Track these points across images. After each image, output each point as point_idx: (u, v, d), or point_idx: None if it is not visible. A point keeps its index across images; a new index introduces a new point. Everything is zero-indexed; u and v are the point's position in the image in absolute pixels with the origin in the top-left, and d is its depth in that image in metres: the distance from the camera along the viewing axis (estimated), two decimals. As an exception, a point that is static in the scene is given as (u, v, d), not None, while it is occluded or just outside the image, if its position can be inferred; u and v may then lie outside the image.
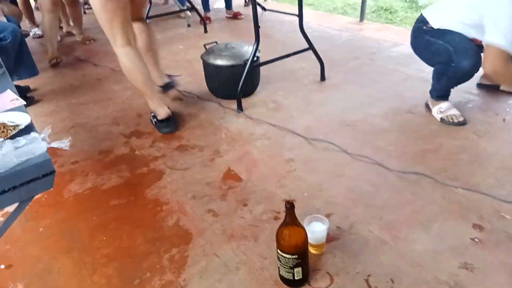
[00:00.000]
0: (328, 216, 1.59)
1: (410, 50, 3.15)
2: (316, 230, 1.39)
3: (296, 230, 1.26)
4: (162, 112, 2.18)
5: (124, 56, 2.01)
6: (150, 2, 3.67)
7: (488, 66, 1.87)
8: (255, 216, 1.61)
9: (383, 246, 1.44)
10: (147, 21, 3.99)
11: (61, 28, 4.17)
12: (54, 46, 3.36)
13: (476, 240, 1.44)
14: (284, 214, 1.24)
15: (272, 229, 1.52)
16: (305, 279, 1.31)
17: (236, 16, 4.34)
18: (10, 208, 1.14)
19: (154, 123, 2.26)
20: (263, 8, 4.17)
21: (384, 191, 1.70)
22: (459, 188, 1.68)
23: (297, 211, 1.24)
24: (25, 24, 4.36)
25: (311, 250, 1.41)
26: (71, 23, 4.15)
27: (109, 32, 1.95)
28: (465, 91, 2.44)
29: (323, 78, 2.79)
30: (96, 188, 1.84)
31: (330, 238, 1.48)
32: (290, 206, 1.24)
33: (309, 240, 1.35)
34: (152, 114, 2.27)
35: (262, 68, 2.64)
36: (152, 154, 2.04)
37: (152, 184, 1.83)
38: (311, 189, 1.74)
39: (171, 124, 2.22)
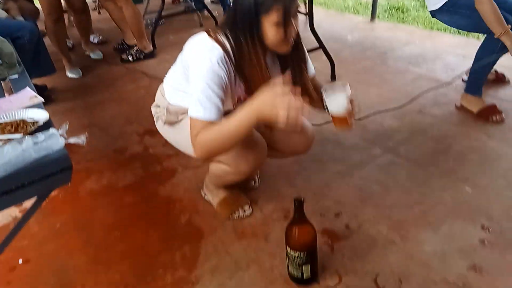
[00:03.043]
0: (337, 215, 1.61)
1: (421, 49, 3.16)
2: (334, 94, 1.26)
3: (304, 227, 1.28)
4: None
5: None
6: (163, 2, 3.69)
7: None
8: (266, 215, 1.64)
9: (391, 246, 1.46)
10: (162, 21, 4.05)
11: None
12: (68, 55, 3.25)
13: (485, 241, 1.45)
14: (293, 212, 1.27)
15: (282, 228, 1.54)
16: (314, 277, 1.33)
17: None
18: (28, 205, 1.18)
19: None
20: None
21: (393, 191, 1.72)
22: (468, 188, 1.69)
23: (306, 210, 1.27)
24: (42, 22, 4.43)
25: (336, 126, 1.29)
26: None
27: None
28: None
29: (333, 77, 2.80)
30: (112, 186, 1.89)
31: (339, 237, 1.51)
32: (298, 204, 1.26)
33: (331, 112, 1.26)
34: None
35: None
36: (165, 153, 2.08)
37: (166, 182, 1.87)
38: (320, 188, 1.76)
39: None
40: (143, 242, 1.56)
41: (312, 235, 1.29)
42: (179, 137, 1.54)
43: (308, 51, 2.70)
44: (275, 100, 1.07)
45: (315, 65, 2.84)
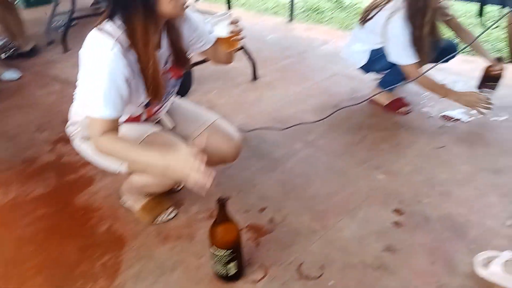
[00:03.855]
0: (261, 210, 1.64)
1: (336, 48, 3.32)
2: (218, 21, 1.34)
3: (228, 226, 1.28)
4: None
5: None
6: (73, 3, 3.48)
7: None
8: (190, 216, 1.62)
9: (313, 235, 1.51)
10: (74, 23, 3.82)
11: None
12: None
13: (397, 223, 1.55)
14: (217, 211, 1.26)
15: (207, 228, 1.51)
16: (240, 273, 1.34)
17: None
18: None
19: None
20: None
21: (314, 183, 1.78)
22: (381, 176, 1.81)
23: (231, 208, 1.28)
24: None
25: (223, 48, 1.43)
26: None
27: None
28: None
29: (255, 77, 2.85)
30: (21, 199, 1.74)
31: (263, 232, 1.53)
32: (221, 203, 1.26)
33: (216, 36, 1.40)
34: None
35: (195, 69, 2.64)
36: (81, 160, 1.94)
37: (83, 191, 1.77)
38: (245, 186, 1.78)
39: None
40: (60, 255, 1.46)
41: (235, 232, 1.29)
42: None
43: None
44: (188, 162, 1.12)
45: (237, 66, 2.87)
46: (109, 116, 1.22)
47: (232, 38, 1.36)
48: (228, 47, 1.41)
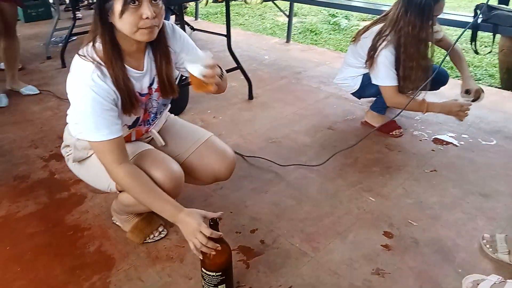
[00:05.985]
0: (252, 231, 1.64)
1: (332, 70, 3.37)
2: (194, 61, 1.26)
3: (220, 247, 1.28)
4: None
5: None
6: (74, 19, 3.53)
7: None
8: (181, 236, 1.60)
9: (304, 257, 1.51)
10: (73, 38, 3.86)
11: None
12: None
13: (387, 246, 1.56)
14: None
15: (197, 248, 1.54)
16: (229, 296, 1.33)
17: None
18: None
19: None
20: (192, 28, 4.21)
21: (306, 205, 1.79)
22: (371, 198, 1.82)
23: (222, 228, 1.28)
24: None
25: (194, 89, 1.32)
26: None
27: None
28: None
29: (251, 96, 2.87)
30: (10, 216, 1.74)
31: (254, 254, 1.53)
32: (214, 223, 1.26)
33: (189, 76, 1.29)
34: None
35: (190, 87, 2.67)
36: (73, 178, 1.96)
37: (73, 209, 1.77)
38: (237, 206, 1.78)
39: None
40: (47, 276, 1.44)
41: (226, 254, 1.29)
42: (91, 173, 1.48)
43: (227, 71, 2.78)
44: (195, 231, 1.21)
45: (233, 85, 2.90)
46: (107, 138, 1.24)
47: (203, 81, 1.26)
48: (197, 88, 1.31)
